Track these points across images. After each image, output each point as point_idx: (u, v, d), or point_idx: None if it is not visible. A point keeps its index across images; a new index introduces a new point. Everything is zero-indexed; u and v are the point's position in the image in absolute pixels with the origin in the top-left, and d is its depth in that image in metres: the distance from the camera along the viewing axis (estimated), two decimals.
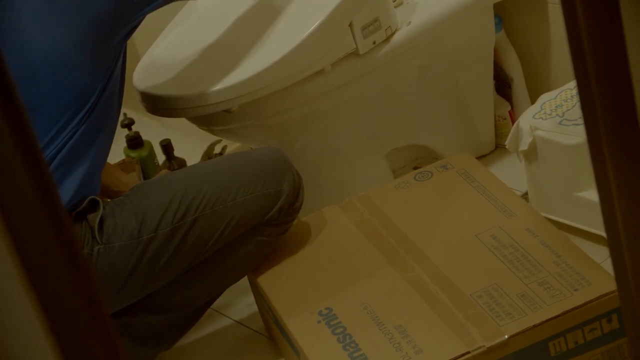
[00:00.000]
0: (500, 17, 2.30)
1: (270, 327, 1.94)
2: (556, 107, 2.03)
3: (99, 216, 1.77)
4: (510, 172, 2.25)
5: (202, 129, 2.10)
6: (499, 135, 2.38)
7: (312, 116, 2.09)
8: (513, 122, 2.29)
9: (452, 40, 2.20)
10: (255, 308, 2.01)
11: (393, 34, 2.09)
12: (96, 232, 1.76)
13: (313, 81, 2.03)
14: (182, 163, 2.32)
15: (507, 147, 2.11)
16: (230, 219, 1.81)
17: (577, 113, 1.98)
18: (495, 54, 2.30)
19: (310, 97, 2.05)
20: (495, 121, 2.38)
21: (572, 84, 2.06)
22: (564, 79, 2.23)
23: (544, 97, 2.07)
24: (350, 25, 2.01)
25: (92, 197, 1.79)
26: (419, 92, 2.22)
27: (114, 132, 1.86)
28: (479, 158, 2.30)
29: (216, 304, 2.01)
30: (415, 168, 2.32)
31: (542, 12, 2.31)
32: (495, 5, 2.24)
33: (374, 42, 2.05)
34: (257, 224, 1.84)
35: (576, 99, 2.02)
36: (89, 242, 1.76)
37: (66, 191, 1.75)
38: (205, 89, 1.91)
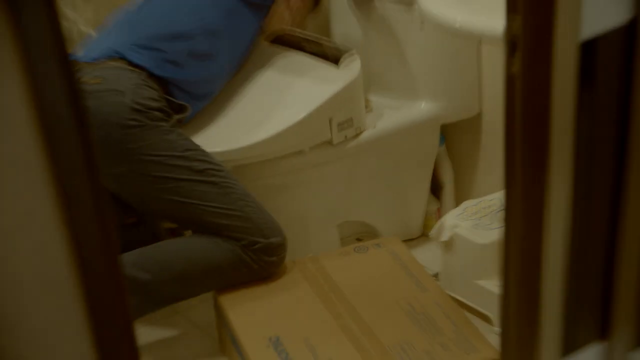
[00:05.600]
0: (444, 136, 2.45)
1: (223, 340, 2.00)
2: (475, 212, 2.10)
3: (181, 119, 1.91)
4: (428, 256, 2.30)
5: None
6: (426, 226, 2.45)
7: (287, 185, 2.15)
8: (439, 218, 2.31)
9: (405, 145, 2.31)
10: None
11: (361, 132, 2.20)
12: (173, 115, 1.88)
13: (293, 158, 2.11)
14: None
15: (430, 236, 2.17)
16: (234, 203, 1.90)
17: (490, 220, 2.04)
18: (435, 162, 2.42)
19: (288, 170, 2.12)
20: (426, 214, 2.45)
21: (490, 196, 2.14)
22: (485, 191, 2.30)
23: (467, 203, 2.14)
24: (330, 120, 2.13)
25: (184, 104, 1.94)
26: (372, 180, 2.30)
27: (223, 71, 2.05)
28: (406, 241, 2.36)
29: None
30: (358, 239, 2.38)
31: (476, 142, 2.42)
32: (442, 126, 2.39)
33: (346, 136, 2.17)
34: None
35: (492, 209, 2.09)
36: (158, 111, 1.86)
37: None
38: (208, 149, 1.98)
